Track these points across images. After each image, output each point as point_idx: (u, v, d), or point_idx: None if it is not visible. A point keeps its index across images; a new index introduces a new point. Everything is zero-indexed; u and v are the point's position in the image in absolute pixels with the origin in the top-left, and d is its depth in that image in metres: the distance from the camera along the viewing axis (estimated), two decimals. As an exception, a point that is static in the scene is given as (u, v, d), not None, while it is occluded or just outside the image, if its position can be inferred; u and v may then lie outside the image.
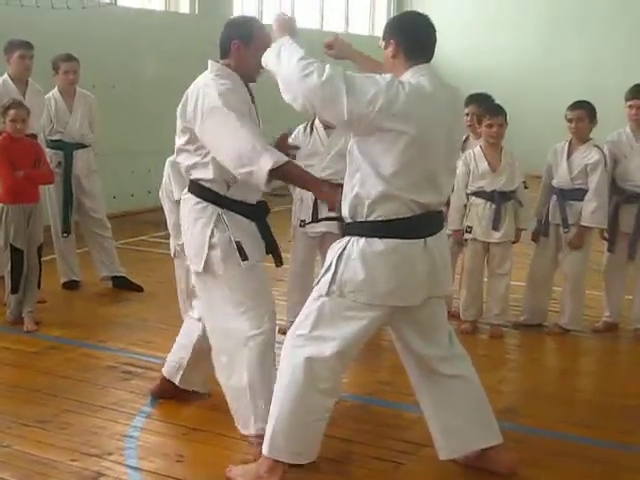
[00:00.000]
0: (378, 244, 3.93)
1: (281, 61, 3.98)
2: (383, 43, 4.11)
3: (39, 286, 6.97)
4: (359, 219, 3.97)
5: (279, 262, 4.75)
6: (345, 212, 4.02)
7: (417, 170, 3.89)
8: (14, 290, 6.77)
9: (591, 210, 6.64)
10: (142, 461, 4.49)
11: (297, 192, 6.57)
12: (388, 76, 3.86)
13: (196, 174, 4.57)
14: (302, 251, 6.68)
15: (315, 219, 6.42)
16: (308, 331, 4.04)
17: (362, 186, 3.91)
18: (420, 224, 3.98)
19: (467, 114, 6.99)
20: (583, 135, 6.75)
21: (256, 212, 4.66)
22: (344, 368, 4.19)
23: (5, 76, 7.53)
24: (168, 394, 5.24)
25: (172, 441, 4.77)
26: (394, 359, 6.00)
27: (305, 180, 4.41)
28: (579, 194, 6.72)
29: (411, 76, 3.95)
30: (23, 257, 6.75)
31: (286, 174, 4.27)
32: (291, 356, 4.07)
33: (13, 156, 6.71)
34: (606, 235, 6.92)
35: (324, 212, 6.23)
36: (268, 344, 4.54)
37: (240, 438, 4.64)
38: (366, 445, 4.72)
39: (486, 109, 6.75)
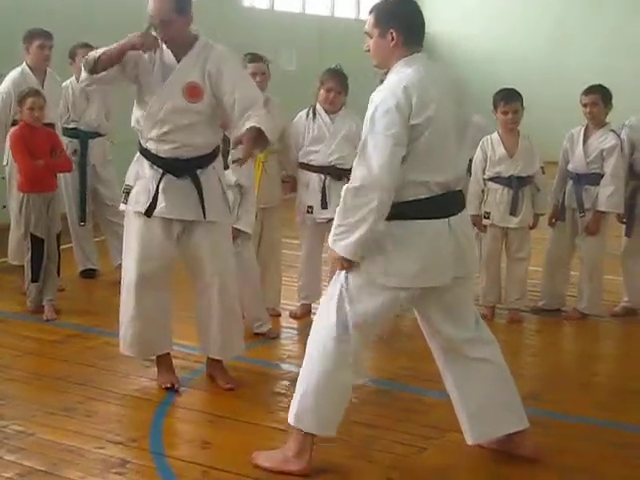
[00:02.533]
0: (402, 226, 3.95)
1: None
2: (376, 31, 4.06)
3: (58, 274, 7.00)
4: None
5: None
6: None
7: (434, 153, 3.92)
8: (34, 278, 6.79)
9: (607, 195, 6.64)
10: (167, 448, 4.50)
11: (303, 178, 6.58)
12: (392, 98, 3.84)
13: None
14: (310, 237, 6.71)
15: (324, 205, 6.44)
16: (335, 308, 4.06)
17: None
18: (442, 204, 4.00)
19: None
20: (598, 119, 6.75)
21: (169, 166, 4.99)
22: (367, 344, 4.26)
23: (24, 65, 7.53)
24: None
25: (197, 428, 4.79)
26: (414, 345, 6.07)
27: (115, 50, 4.98)
28: (595, 179, 6.72)
29: (408, 66, 3.97)
30: (43, 245, 6.77)
31: (101, 61, 4.93)
32: (319, 333, 4.11)
33: (31, 145, 6.71)
34: (623, 219, 6.92)
35: (333, 198, 6.29)
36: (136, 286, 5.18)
37: (266, 425, 4.65)
38: (389, 430, 4.73)
39: (501, 95, 6.74)
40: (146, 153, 5.09)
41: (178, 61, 4.97)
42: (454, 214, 4.06)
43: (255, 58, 6.51)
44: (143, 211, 5.05)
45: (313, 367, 4.12)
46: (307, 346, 4.20)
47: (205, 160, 5.11)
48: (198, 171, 5.06)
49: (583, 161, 6.74)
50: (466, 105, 4.20)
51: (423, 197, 3.95)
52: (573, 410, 5.07)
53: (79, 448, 4.47)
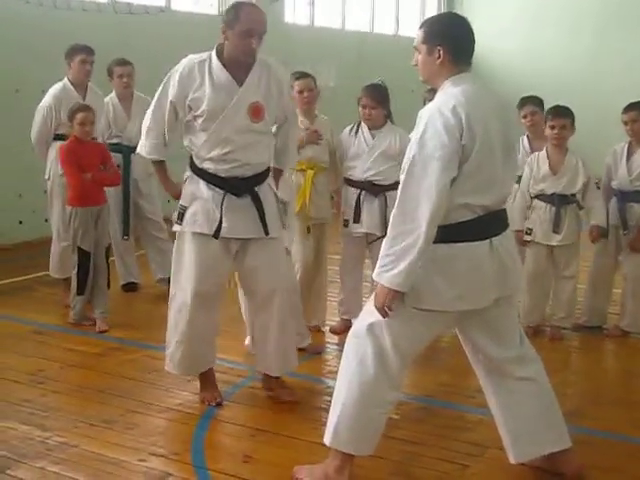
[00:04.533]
0: (444, 249, 3.90)
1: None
2: (424, 47, 4.04)
3: (108, 287, 7.05)
4: None
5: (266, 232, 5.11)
6: None
7: (479, 175, 3.88)
8: (80, 291, 6.86)
9: None
10: (209, 461, 4.51)
11: (345, 193, 6.62)
12: (440, 119, 3.80)
13: None
14: (348, 251, 6.73)
15: (357, 219, 6.47)
16: (372, 327, 4.03)
17: None
18: (484, 225, 3.95)
19: (525, 115, 7.02)
20: None
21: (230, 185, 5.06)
22: (406, 364, 4.16)
23: (65, 80, 7.62)
24: None
25: (238, 442, 4.80)
26: (455, 361, 6.05)
27: (161, 180, 5.59)
28: (639, 196, 6.67)
29: (456, 86, 3.94)
30: (90, 259, 6.83)
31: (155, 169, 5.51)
32: (357, 348, 4.08)
33: (81, 159, 6.78)
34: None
35: (365, 212, 6.38)
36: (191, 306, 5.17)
37: (307, 440, 4.66)
38: (430, 447, 4.72)
39: (551, 110, 6.73)
40: (202, 173, 5.13)
41: (236, 80, 4.99)
42: (497, 234, 4.02)
43: (302, 75, 6.60)
44: (204, 232, 5.05)
45: (349, 385, 4.09)
46: (341, 363, 4.19)
47: (262, 177, 5.16)
48: (256, 188, 5.10)
49: (627, 178, 6.70)
50: (512, 126, 4.19)
51: (466, 219, 3.92)
52: (616, 428, 5.02)
53: (121, 460, 4.50)
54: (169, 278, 7.98)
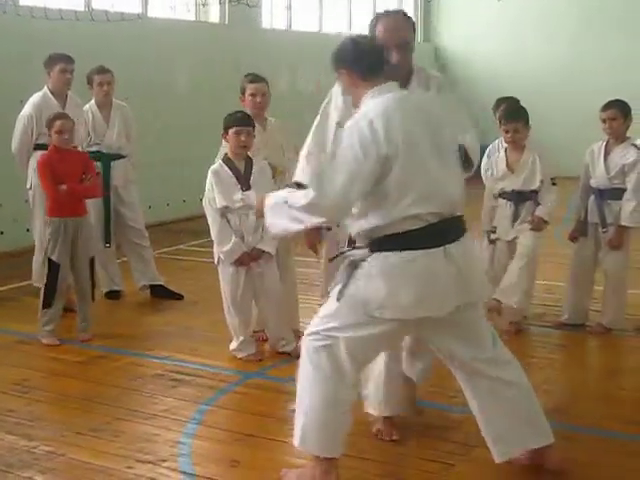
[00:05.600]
0: (395, 258, 3.92)
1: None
2: (337, 75, 4.19)
3: (93, 299, 7.01)
4: (375, 236, 3.98)
5: None
6: (359, 229, 4.05)
7: (415, 183, 3.89)
8: (46, 304, 6.72)
9: (630, 210, 6.65)
10: (197, 467, 4.52)
11: None
12: (356, 133, 3.86)
13: None
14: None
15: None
16: (327, 329, 4.05)
17: (371, 214, 3.95)
18: (436, 233, 3.94)
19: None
20: (618, 134, 6.77)
21: None
22: (361, 369, 4.23)
23: (45, 90, 7.61)
24: None
25: (225, 447, 4.81)
26: (437, 361, 6.06)
27: None
28: (617, 194, 6.73)
29: (374, 97, 3.99)
30: (59, 271, 6.68)
31: None
32: (312, 352, 4.09)
33: (60, 169, 6.69)
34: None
35: None
36: None
37: (293, 443, 4.68)
38: (416, 447, 4.74)
39: (502, 113, 6.82)
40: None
41: None
42: (453, 241, 3.99)
43: (256, 79, 6.57)
44: None
45: (310, 389, 4.11)
46: (300, 367, 4.19)
47: None
48: None
49: (605, 176, 6.75)
50: (448, 128, 4.12)
51: (417, 227, 3.92)
52: (599, 424, 5.06)
53: (108, 468, 4.49)
54: (151, 285, 8.10)
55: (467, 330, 4.19)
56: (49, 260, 6.70)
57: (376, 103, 3.95)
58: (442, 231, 3.96)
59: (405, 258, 3.91)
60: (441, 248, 3.93)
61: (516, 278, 6.58)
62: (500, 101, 7.30)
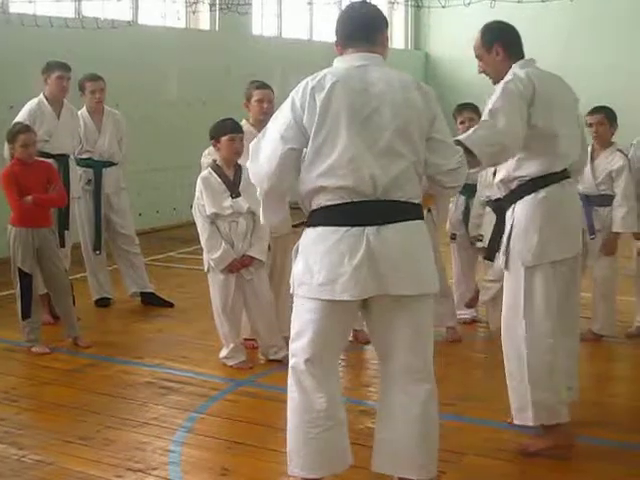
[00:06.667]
0: (313, 233, 3.86)
1: None
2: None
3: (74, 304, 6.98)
4: (308, 210, 3.95)
5: None
6: (300, 202, 4.02)
7: (328, 156, 3.75)
8: (25, 315, 6.66)
9: (621, 216, 6.65)
10: (186, 475, 4.51)
11: None
12: (291, 97, 3.87)
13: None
14: None
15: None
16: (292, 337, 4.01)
17: (300, 185, 3.91)
18: (354, 212, 3.77)
19: (462, 121, 6.99)
20: (604, 139, 6.78)
21: None
22: (322, 371, 3.96)
23: (41, 96, 7.59)
24: None
25: (215, 455, 4.79)
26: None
27: None
28: (605, 200, 6.74)
29: (336, 61, 3.99)
30: (31, 281, 6.65)
31: None
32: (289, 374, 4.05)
33: (24, 181, 6.60)
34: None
35: None
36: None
37: (284, 451, 4.66)
38: (407, 455, 4.72)
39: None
40: None
41: None
42: (374, 224, 3.77)
43: (263, 85, 6.58)
44: None
45: (288, 410, 4.06)
46: None
47: None
48: None
49: (592, 182, 6.75)
50: (374, 101, 3.81)
51: (332, 203, 3.79)
52: (589, 431, 5.04)
53: (98, 477, 4.48)
54: (142, 292, 8.08)
55: (386, 329, 3.94)
56: (19, 270, 6.64)
57: (320, 72, 3.88)
58: (361, 211, 3.78)
59: (320, 234, 3.83)
60: (358, 229, 3.76)
61: None
62: (461, 107, 7.27)
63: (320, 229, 3.84)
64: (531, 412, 4.60)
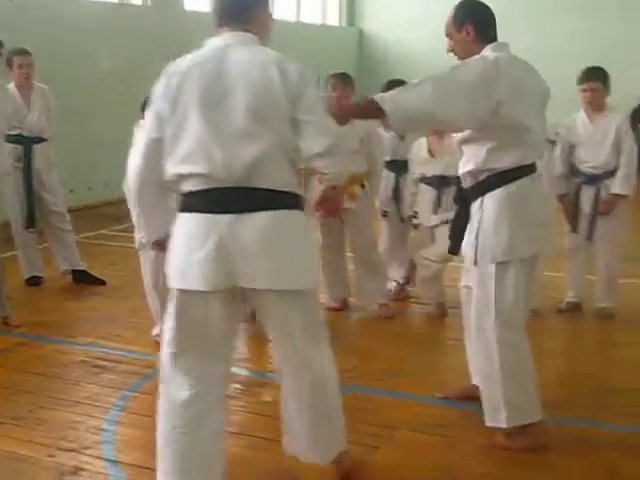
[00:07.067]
0: (178, 219, 3.72)
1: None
2: None
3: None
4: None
5: None
6: None
7: (181, 143, 3.60)
8: None
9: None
10: (120, 454, 4.50)
11: None
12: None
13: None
14: None
15: None
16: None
17: (165, 170, 3.71)
18: (210, 199, 3.58)
19: None
20: (599, 104, 6.85)
21: None
22: (192, 371, 3.76)
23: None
24: None
25: (149, 433, 4.68)
26: (362, 342, 6.16)
27: None
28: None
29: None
30: None
31: None
32: None
33: None
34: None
35: None
36: None
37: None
38: (341, 430, 4.76)
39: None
40: None
41: None
42: (232, 212, 3.56)
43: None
44: None
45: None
46: None
47: None
48: None
49: (597, 154, 6.88)
50: (225, 80, 3.59)
51: (189, 190, 3.63)
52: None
53: (30, 457, 4.45)
54: (73, 270, 8.01)
55: (271, 318, 3.80)
56: None
57: (187, 56, 3.74)
58: (216, 199, 3.58)
59: (181, 221, 3.68)
60: (212, 217, 3.57)
61: None
62: (391, 83, 7.28)
63: (182, 215, 3.67)
64: (504, 413, 4.48)
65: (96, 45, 12.27)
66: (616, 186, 6.78)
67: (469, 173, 4.52)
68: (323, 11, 19.40)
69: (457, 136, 4.59)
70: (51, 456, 4.47)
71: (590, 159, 6.85)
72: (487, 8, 4.59)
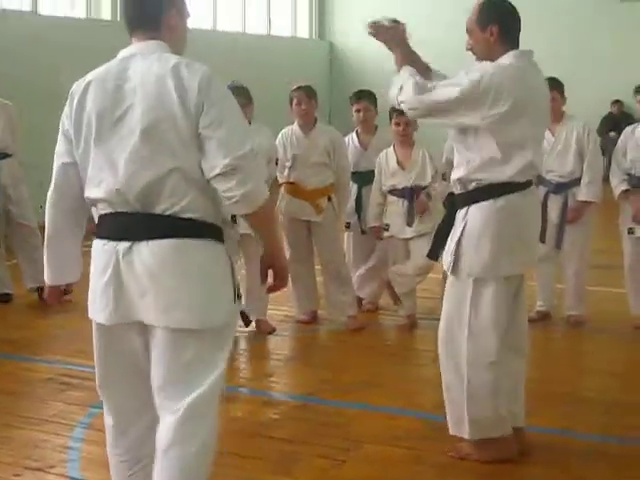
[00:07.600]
0: None
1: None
2: None
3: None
4: None
5: None
6: None
7: (88, 167, 3.31)
8: None
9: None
10: (85, 472, 4.45)
11: None
12: None
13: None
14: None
15: None
16: None
17: None
18: (110, 225, 3.29)
19: (358, 110, 7.22)
20: (559, 113, 6.87)
21: None
22: (121, 409, 3.60)
23: None
24: None
25: (115, 451, 4.74)
26: (332, 356, 6.14)
27: None
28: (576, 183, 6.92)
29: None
30: None
31: None
32: None
33: None
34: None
35: None
36: None
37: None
38: (309, 444, 4.73)
39: (393, 108, 6.89)
40: None
41: None
42: (128, 240, 3.22)
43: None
44: None
45: None
46: None
47: None
48: None
49: (559, 164, 6.95)
50: (124, 99, 3.25)
51: (101, 214, 3.33)
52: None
53: (-5, 477, 4.41)
54: (39, 287, 7.92)
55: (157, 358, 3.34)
56: None
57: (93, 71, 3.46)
58: (115, 225, 3.26)
59: (93, 247, 3.35)
60: (111, 244, 3.24)
61: None
62: (359, 94, 7.35)
63: (94, 241, 3.36)
64: (467, 427, 4.37)
65: (58, 62, 12.19)
66: (582, 193, 6.82)
67: (459, 180, 4.36)
68: (293, 24, 19.40)
69: (451, 134, 4.51)
70: (17, 475, 4.41)
71: (556, 168, 6.89)
72: (515, 10, 4.36)
